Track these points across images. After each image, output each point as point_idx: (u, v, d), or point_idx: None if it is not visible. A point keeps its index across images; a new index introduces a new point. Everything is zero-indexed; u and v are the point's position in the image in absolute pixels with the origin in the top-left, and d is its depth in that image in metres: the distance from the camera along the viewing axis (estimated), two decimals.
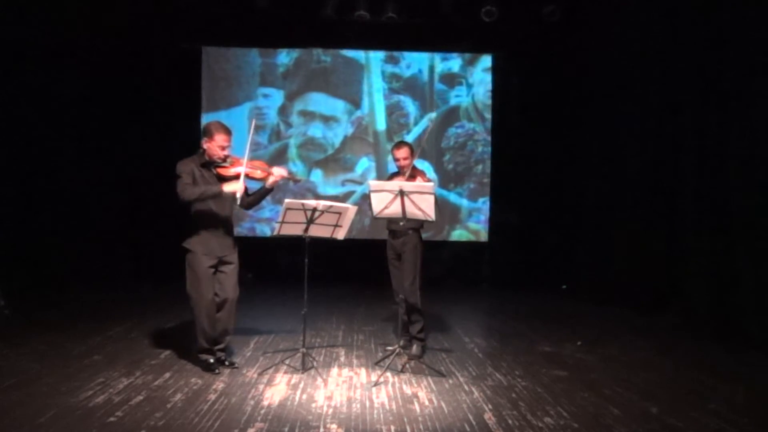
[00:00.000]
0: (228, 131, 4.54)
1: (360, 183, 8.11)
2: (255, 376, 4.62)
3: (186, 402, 4.04)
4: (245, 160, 4.51)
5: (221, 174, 4.55)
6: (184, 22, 8.58)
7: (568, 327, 6.53)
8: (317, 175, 8.05)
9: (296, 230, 4.64)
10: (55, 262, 7.84)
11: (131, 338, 5.60)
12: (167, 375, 4.58)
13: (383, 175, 8.46)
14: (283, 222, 4.55)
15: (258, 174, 4.59)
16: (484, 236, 8.64)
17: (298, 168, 8.11)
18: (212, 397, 4.15)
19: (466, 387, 4.50)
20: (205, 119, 8.80)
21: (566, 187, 9.05)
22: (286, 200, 4.56)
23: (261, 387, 4.37)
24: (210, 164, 4.56)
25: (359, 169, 8.15)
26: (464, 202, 8.32)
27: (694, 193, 6.76)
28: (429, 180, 5.13)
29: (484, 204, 8.30)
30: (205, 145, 4.55)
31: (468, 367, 5.01)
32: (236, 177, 4.47)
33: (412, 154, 5.23)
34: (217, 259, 4.59)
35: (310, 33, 8.84)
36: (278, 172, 4.64)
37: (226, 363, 4.77)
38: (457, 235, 8.59)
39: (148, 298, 7.55)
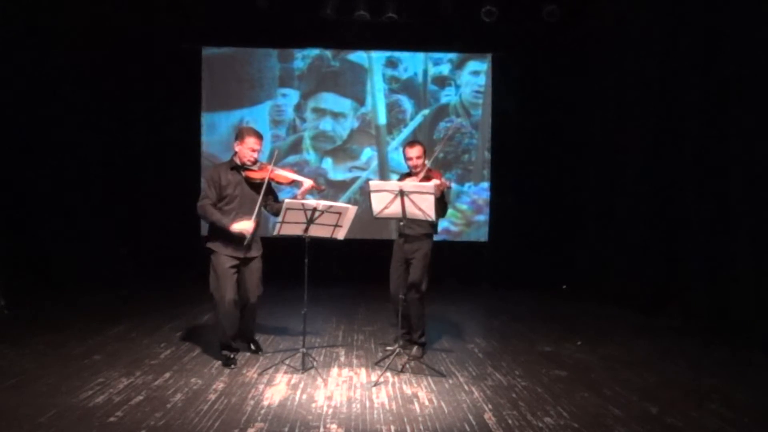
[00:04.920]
0: (259, 135, 4.74)
1: (364, 169, 9.18)
2: (255, 376, 4.62)
3: (186, 402, 4.04)
4: (272, 166, 4.69)
5: (249, 176, 4.72)
6: (184, 22, 8.59)
7: (568, 327, 6.52)
8: (327, 163, 9.15)
9: (296, 230, 4.64)
10: (55, 262, 7.83)
11: (131, 338, 5.60)
12: (167, 375, 4.58)
13: (383, 162, 9.16)
14: (283, 222, 4.55)
15: (283, 180, 4.80)
16: (470, 216, 9.25)
17: (311, 157, 9.15)
18: (212, 397, 4.15)
19: (466, 387, 4.50)
20: (208, 117, 9.07)
21: (566, 187, 9.06)
22: (286, 200, 4.56)
23: (261, 387, 4.37)
24: (240, 167, 4.71)
25: (364, 158, 9.19)
26: (453, 186, 9.02)
27: (694, 193, 6.76)
28: (446, 180, 4.97)
29: (469, 188, 9.23)
30: (236, 148, 4.73)
31: (468, 367, 5.00)
32: (262, 180, 4.65)
33: (425, 153, 5.18)
34: (239, 260, 4.73)
35: (310, 33, 8.90)
36: (306, 182, 4.80)
37: (253, 351, 5.12)
38: (447, 213, 9.47)
39: (148, 298, 7.55)
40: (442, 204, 5.02)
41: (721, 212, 6.33)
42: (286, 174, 4.87)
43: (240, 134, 4.75)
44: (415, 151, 5.13)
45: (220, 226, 4.62)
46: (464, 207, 9.17)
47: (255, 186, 4.71)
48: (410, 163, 5.17)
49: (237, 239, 4.67)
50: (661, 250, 7.27)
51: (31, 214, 7.57)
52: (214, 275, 4.73)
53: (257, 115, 9.05)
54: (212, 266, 4.74)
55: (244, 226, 4.59)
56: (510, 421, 3.85)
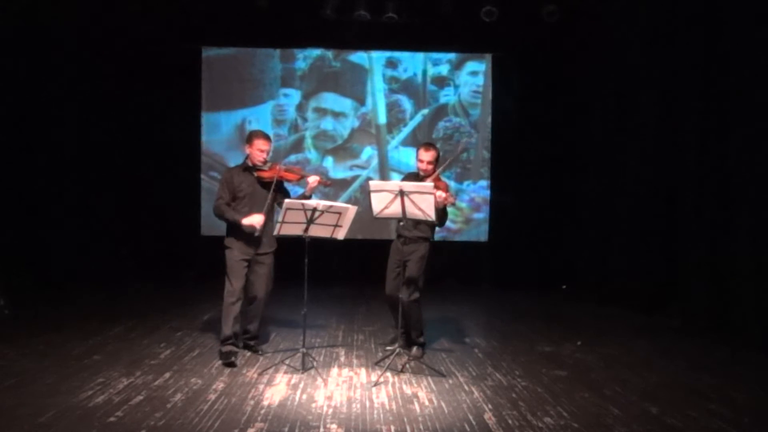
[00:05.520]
0: (267, 137, 4.99)
1: (365, 168, 9.35)
2: (255, 376, 4.62)
3: (186, 402, 4.04)
4: (280, 166, 4.91)
5: (260, 176, 4.93)
6: (184, 22, 8.61)
7: (568, 327, 6.52)
8: (329, 161, 9.30)
9: (296, 230, 4.65)
10: (56, 262, 7.83)
11: (131, 338, 5.60)
12: (167, 375, 4.58)
13: (383, 160, 9.31)
14: (283, 222, 4.57)
15: (292, 177, 5.00)
16: (468, 213, 9.38)
17: (312, 155, 9.31)
18: (212, 397, 4.15)
19: (466, 387, 4.50)
20: (211, 117, 9.16)
21: (566, 187, 9.05)
22: (286, 200, 4.59)
23: (261, 387, 4.38)
24: (251, 168, 4.96)
25: (364, 156, 9.35)
26: (452, 184, 9.19)
27: (694, 193, 6.76)
28: (451, 193, 4.91)
29: (468, 186, 9.37)
30: (247, 150, 5.00)
31: (468, 367, 5.01)
32: (272, 179, 4.85)
33: (438, 160, 5.13)
34: (250, 255, 4.94)
35: (311, 34, 8.92)
36: (313, 179, 4.97)
37: (254, 349, 5.20)
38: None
39: (148, 298, 7.55)
40: (443, 213, 4.99)
41: (721, 212, 6.33)
42: (294, 172, 5.05)
43: (249, 137, 5.00)
44: (428, 156, 5.07)
45: (232, 222, 4.86)
46: (463, 205, 9.30)
47: (266, 185, 4.90)
48: (421, 165, 5.11)
49: (249, 235, 4.86)
50: (661, 250, 7.26)
51: (32, 213, 7.57)
52: (227, 268, 4.92)
53: (260, 115, 9.19)
54: (226, 260, 4.95)
55: (253, 219, 4.80)
56: (510, 421, 3.85)
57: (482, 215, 9.34)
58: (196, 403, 4.02)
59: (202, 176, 9.08)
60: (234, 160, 8.41)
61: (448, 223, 9.02)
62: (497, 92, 9.24)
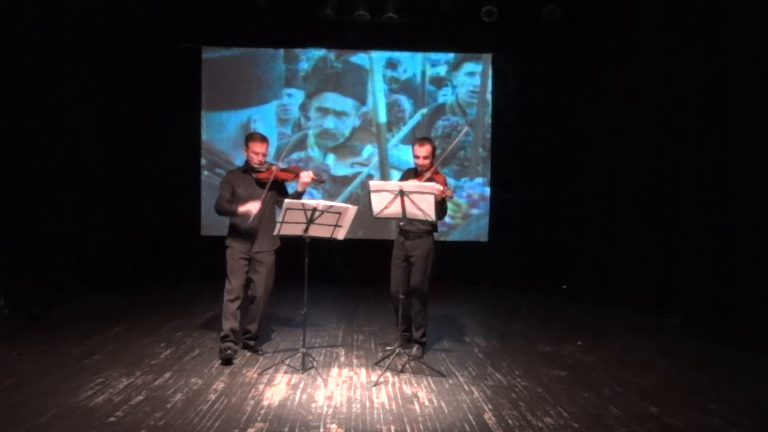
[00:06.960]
0: (262, 139, 5.05)
1: (365, 165, 9.53)
2: (255, 376, 4.62)
3: (186, 402, 4.04)
4: (277, 166, 4.99)
5: (258, 177, 5.02)
6: (184, 21, 8.62)
7: (568, 327, 6.52)
8: (331, 159, 9.47)
9: (296, 230, 4.66)
10: (56, 262, 7.82)
11: (131, 338, 5.60)
12: (167, 375, 4.58)
13: (383, 158, 9.46)
14: (283, 222, 4.58)
15: (287, 176, 5.09)
16: (465, 209, 9.51)
17: (315, 153, 9.49)
18: (212, 397, 4.15)
19: (466, 387, 4.50)
20: (216, 117, 9.23)
21: (566, 187, 9.05)
22: (286, 200, 4.60)
23: (261, 387, 4.38)
24: (251, 170, 5.05)
25: (365, 154, 9.52)
26: (450, 181, 9.23)
27: (694, 193, 6.76)
28: (449, 186, 4.90)
29: (465, 183, 9.54)
30: (245, 153, 5.11)
31: (468, 367, 5.01)
32: (268, 180, 4.92)
33: (434, 153, 5.11)
34: (249, 253, 5.00)
35: (311, 33, 8.94)
36: (305, 177, 5.02)
37: (254, 349, 5.21)
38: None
39: (148, 298, 7.55)
40: (441, 207, 4.99)
41: (722, 212, 6.33)
42: (289, 171, 5.12)
43: (246, 140, 5.11)
44: (423, 150, 5.04)
45: (229, 212, 4.95)
46: (460, 201, 9.44)
47: (264, 186, 4.97)
48: (417, 161, 5.09)
49: (247, 233, 4.93)
50: (661, 250, 7.26)
51: (32, 214, 7.56)
52: (227, 266, 4.98)
53: (264, 114, 9.35)
54: (226, 258, 5.02)
55: (248, 206, 4.84)
56: (510, 421, 3.85)
57: (479, 211, 9.42)
58: (196, 403, 4.02)
59: (208, 173, 9.17)
60: (239, 158, 8.48)
61: (445, 219, 9.09)
62: (497, 91, 9.25)
